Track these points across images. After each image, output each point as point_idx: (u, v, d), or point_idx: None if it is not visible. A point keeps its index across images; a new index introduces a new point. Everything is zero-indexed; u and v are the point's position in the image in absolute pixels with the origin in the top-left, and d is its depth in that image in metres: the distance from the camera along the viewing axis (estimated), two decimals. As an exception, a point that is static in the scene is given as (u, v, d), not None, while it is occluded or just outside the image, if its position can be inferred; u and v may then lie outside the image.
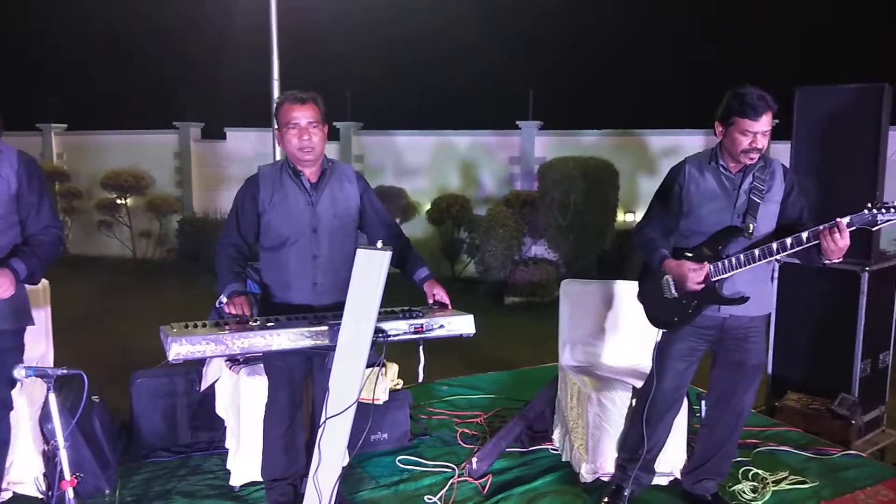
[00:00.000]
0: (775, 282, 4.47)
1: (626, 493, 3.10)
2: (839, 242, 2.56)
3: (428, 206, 10.72)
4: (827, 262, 2.66)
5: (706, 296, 2.84)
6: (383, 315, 2.64)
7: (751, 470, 3.43)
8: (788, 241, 2.68)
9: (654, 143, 10.03)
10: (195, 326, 2.49)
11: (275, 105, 2.84)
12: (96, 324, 7.29)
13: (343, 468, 2.86)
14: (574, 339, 3.80)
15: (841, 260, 2.65)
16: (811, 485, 3.32)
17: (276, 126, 2.82)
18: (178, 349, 2.32)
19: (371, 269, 2.39)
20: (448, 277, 10.52)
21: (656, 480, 3.29)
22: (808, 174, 4.38)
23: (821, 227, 2.61)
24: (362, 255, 2.40)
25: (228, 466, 3.33)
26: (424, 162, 11.37)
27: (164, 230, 12.02)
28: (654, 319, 3.05)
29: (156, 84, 15.37)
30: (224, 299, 2.73)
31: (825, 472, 3.46)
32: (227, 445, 3.41)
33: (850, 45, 11.82)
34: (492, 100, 12.78)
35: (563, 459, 3.60)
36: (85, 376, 2.40)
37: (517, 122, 10.92)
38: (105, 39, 15.42)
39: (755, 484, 3.31)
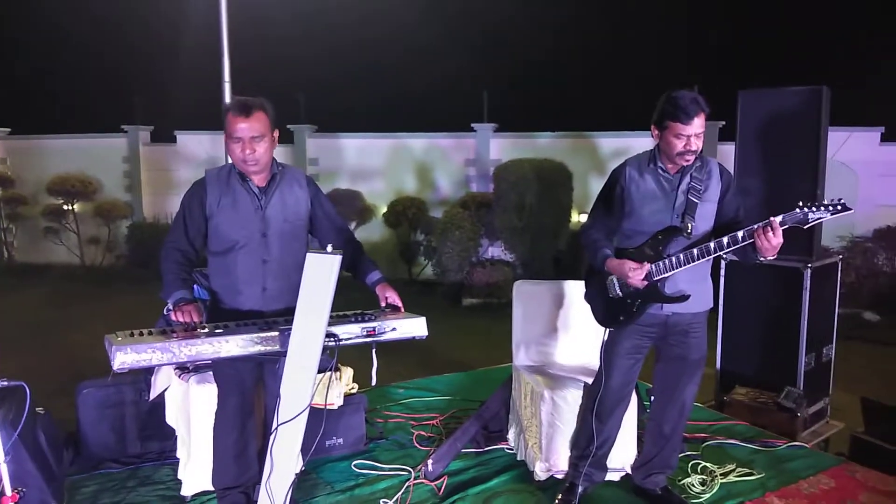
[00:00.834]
0: (722, 279, 4.59)
1: (579, 490, 3.14)
2: (773, 241, 2.65)
3: (384, 209, 10.70)
4: (762, 259, 2.74)
5: (649, 295, 2.91)
6: (335, 319, 2.63)
7: (700, 463, 3.51)
8: (725, 240, 2.76)
9: (605, 145, 10.19)
10: (141, 334, 2.43)
11: (223, 116, 2.79)
12: (43, 333, 7.08)
13: (297, 474, 2.83)
14: (527, 339, 3.84)
15: (775, 257, 2.73)
16: (757, 476, 3.41)
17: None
18: (123, 358, 2.27)
19: (321, 272, 2.37)
20: (405, 280, 10.51)
21: (609, 476, 3.34)
22: (752, 175, 4.50)
23: (755, 227, 2.69)
24: (312, 259, 2.38)
25: (179, 476, 3.26)
26: (380, 165, 11.35)
27: (113, 236, 11.74)
28: (601, 319, 3.11)
29: (104, 87, 14.98)
30: (171, 307, 2.68)
31: (771, 464, 3.56)
32: (177, 455, 3.35)
33: (791, 49, 12.20)
34: (447, 102, 12.80)
35: (519, 458, 3.63)
36: (27, 387, 2.33)
37: (472, 125, 10.98)
38: (50, 41, 14.98)
39: (704, 477, 3.38)
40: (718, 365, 4.68)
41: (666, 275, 2.87)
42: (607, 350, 3.08)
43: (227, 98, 9.11)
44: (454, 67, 13.75)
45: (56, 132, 12.52)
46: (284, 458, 2.55)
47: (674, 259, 2.84)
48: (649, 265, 2.86)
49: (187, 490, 3.18)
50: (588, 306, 3.18)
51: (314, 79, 13.51)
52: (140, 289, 9.20)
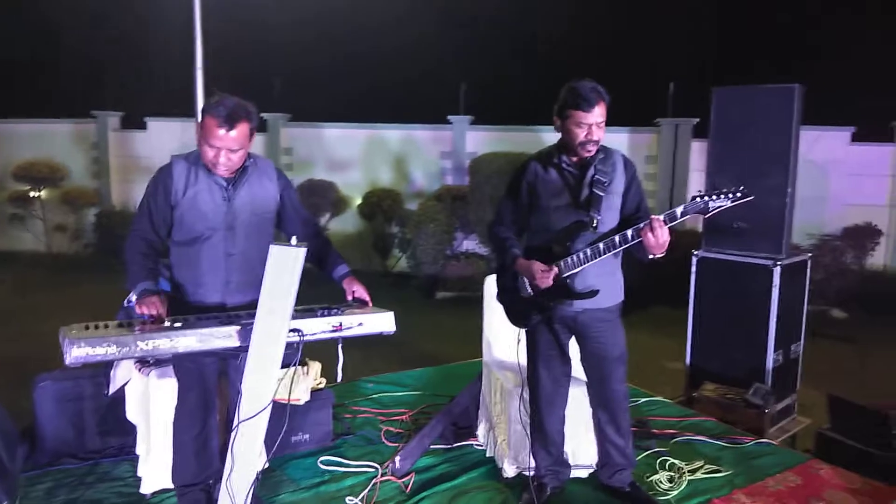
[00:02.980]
0: (692, 276, 4.60)
1: (547, 489, 3.11)
2: (659, 239, 2.64)
3: (359, 201, 10.60)
4: (651, 256, 2.72)
5: (559, 292, 2.88)
6: (300, 313, 2.57)
7: (668, 460, 3.51)
8: (617, 238, 2.75)
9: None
10: (96, 328, 2.35)
11: (200, 111, 2.66)
12: (4, 323, 6.90)
13: (259, 472, 2.78)
14: (498, 335, 3.80)
15: (664, 254, 2.70)
16: (725, 473, 3.41)
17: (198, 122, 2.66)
18: (77, 352, 2.19)
19: (285, 265, 2.31)
20: (379, 272, 10.44)
21: (577, 473, 3.33)
22: (724, 172, 4.51)
23: (641, 225, 2.69)
24: (276, 251, 2.32)
25: (139, 473, 3.18)
26: (355, 155, 11.24)
27: (80, 224, 11.49)
28: (514, 319, 3.08)
29: (72, 71, 14.64)
30: (133, 298, 2.59)
31: (738, 461, 3.57)
32: (137, 451, 3.26)
33: (763, 48, 12.30)
34: (424, 94, 12.72)
35: (488, 455, 3.60)
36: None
37: (448, 117, 10.91)
38: (15, 24, 14.59)
39: (672, 474, 3.38)
40: (688, 360, 4.70)
41: (575, 270, 2.84)
42: (528, 349, 3.08)
43: (200, 84, 8.91)
44: (431, 59, 13.67)
45: (23, 117, 12.21)
46: (246, 455, 2.49)
47: (581, 254, 2.82)
48: (559, 264, 2.83)
49: (147, 487, 3.09)
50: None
51: (289, 67, 13.33)
52: (107, 278, 9.01)
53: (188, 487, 2.83)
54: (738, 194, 2.64)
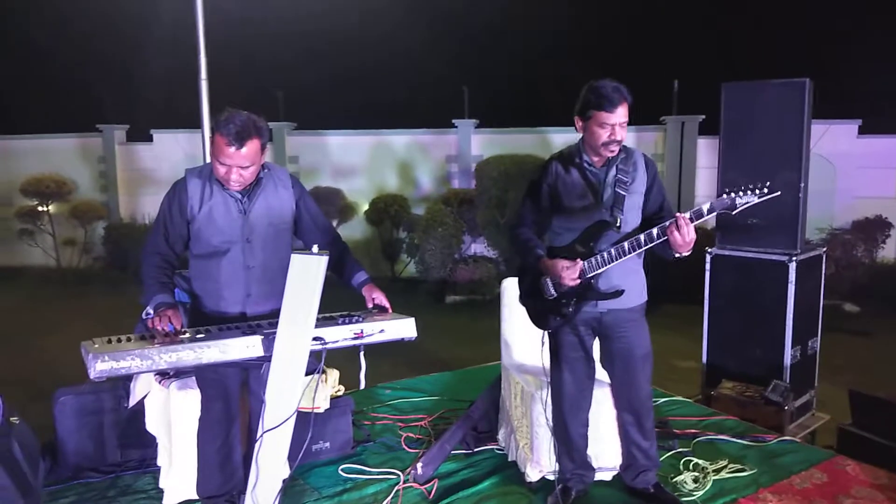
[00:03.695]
0: (707, 273, 4.58)
1: (572, 492, 3.09)
2: (686, 237, 2.63)
3: (366, 207, 10.60)
4: (677, 255, 2.71)
5: (583, 293, 2.87)
6: (321, 321, 2.56)
7: (691, 460, 3.49)
8: (642, 237, 2.74)
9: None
10: (119, 341, 2.35)
11: (210, 127, 2.65)
12: (19, 338, 6.91)
13: (284, 481, 2.77)
14: (516, 338, 3.79)
15: (690, 253, 2.70)
16: (750, 472, 3.39)
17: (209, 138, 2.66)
18: (101, 366, 2.19)
19: (307, 274, 2.30)
20: (388, 278, 10.43)
21: (601, 476, 3.30)
22: (735, 168, 4.49)
23: (667, 223, 2.67)
24: (297, 260, 2.31)
25: (161, 485, 3.17)
26: (361, 162, 11.25)
27: (89, 237, 11.51)
28: (537, 321, 3.06)
29: (77, 85, 14.70)
30: (150, 311, 2.59)
31: (762, 459, 3.54)
32: (159, 463, 3.26)
33: (767, 43, 12.28)
34: (428, 98, 12.72)
35: (510, 459, 3.58)
36: (0, 396, 2.23)
37: (453, 121, 10.92)
38: (21, 40, 14.66)
39: (696, 474, 3.36)
40: (704, 359, 4.67)
41: (599, 271, 2.83)
42: (553, 352, 3.05)
43: (205, 97, 8.96)
44: (435, 64, 13.69)
45: (29, 132, 12.26)
46: (270, 465, 2.48)
47: (605, 254, 2.80)
48: (582, 263, 2.81)
49: (170, 499, 3.09)
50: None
51: (293, 76, 13.36)
52: (118, 291, 9.04)
53: (212, 499, 2.83)
54: (766, 190, 2.63)
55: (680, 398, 4.46)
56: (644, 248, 2.78)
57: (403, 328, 2.67)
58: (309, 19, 13.04)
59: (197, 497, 2.92)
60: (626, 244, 2.78)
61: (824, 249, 4.74)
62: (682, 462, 3.47)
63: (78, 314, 8.11)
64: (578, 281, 2.81)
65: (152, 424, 3.30)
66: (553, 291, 2.93)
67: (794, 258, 4.23)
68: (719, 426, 3.98)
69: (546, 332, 3.05)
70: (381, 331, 2.62)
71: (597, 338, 3.08)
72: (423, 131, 11.18)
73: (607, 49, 13.50)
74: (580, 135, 2.94)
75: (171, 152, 11.32)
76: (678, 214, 2.65)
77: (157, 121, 11.84)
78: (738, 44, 12.53)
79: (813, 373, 4.62)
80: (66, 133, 12.20)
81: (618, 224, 2.82)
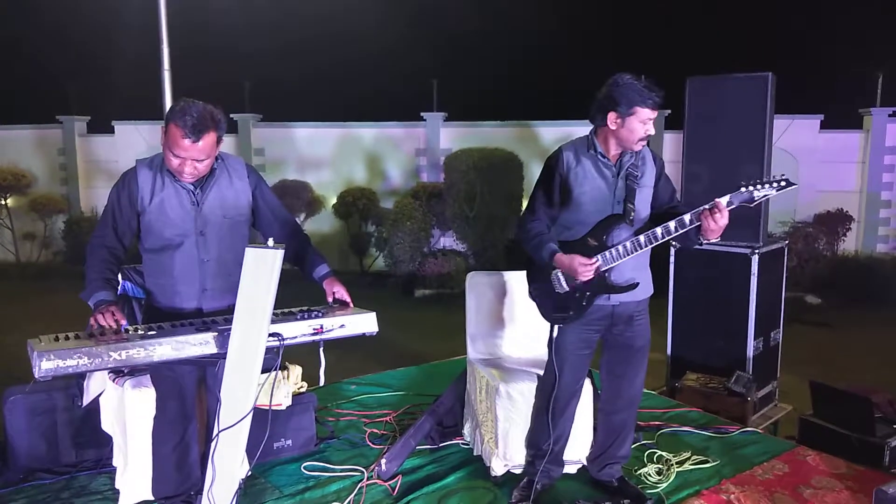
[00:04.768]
0: (671, 266, 4.60)
1: (537, 487, 3.08)
2: (719, 222, 2.63)
3: (334, 200, 10.51)
4: (705, 241, 2.72)
5: (597, 286, 2.86)
6: (279, 316, 2.50)
7: (655, 452, 3.50)
8: (672, 224, 2.73)
9: (546, 134, 10.19)
10: (67, 338, 2.26)
11: (165, 115, 2.52)
12: (-28, 336, 6.70)
13: (242, 480, 2.71)
14: (481, 332, 3.76)
15: (719, 239, 2.72)
16: (713, 464, 3.41)
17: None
18: (47, 365, 2.10)
19: (262, 268, 2.24)
20: (357, 272, 10.35)
21: (565, 469, 3.29)
22: (699, 161, 4.52)
23: (702, 209, 2.66)
24: (251, 254, 2.24)
25: (117, 486, 3.08)
26: (328, 155, 11.13)
27: (49, 231, 11.24)
28: (548, 316, 3.03)
29: (36, 76, 14.30)
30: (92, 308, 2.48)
31: (725, 451, 3.57)
32: (114, 463, 3.16)
33: (739, 35, 12.42)
34: (396, 91, 12.63)
35: (475, 454, 3.55)
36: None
37: (422, 114, 10.85)
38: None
39: (660, 466, 3.37)
40: (669, 351, 4.70)
41: (613, 264, 2.82)
42: (557, 347, 3.01)
43: (167, 88, 8.77)
44: (404, 56, 13.59)
45: (-17, 123, 11.92)
46: (227, 464, 2.41)
47: (621, 248, 2.79)
48: (597, 260, 2.80)
49: (126, 500, 2.99)
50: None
51: (259, 67, 13.17)
52: (78, 286, 8.75)
53: (169, 499, 2.75)
54: (783, 183, 2.63)
55: (644, 390, 4.46)
56: (674, 236, 2.74)
57: (364, 323, 2.61)
58: (277, 10, 12.85)
59: (153, 498, 2.83)
60: (641, 237, 2.76)
61: (787, 242, 4.79)
62: (645, 454, 3.48)
63: (37, 310, 7.90)
64: (592, 276, 2.80)
65: (107, 423, 3.20)
66: (566, 286, 2.90)
67: (757, 251, 4.27)
68: (683, 418, 4.00)
69: (555, 326, 3.00)
70: (342, 326, 2.56)
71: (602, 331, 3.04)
72: (392, 124, 11.10)
73: (574, 45, 13.55)
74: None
75: (133, 144, 11.08)
76: (717, 200, 2.63)
77: (118, 112, 11.58)
78: (704, 39, 12.66)
79: (775, 364, 4.68)
80: (25, 124, 11.87)
81: (630, 217, 2.81)
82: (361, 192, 10.34)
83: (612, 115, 2.78)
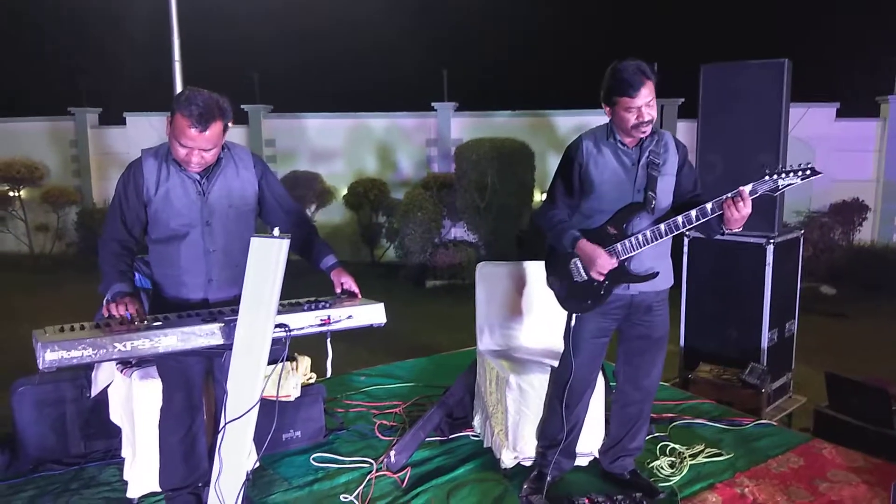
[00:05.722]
0: (685, 256, 4.54)
1: (548, 479, 3.05)
2: (742, 211, 2.57)
3: (345, 191, 10.47)
4: (728, 231, 2.67)
5: (617, 275, 2.81)
6: (286, 307, 2.47)
7: (668, 445, 3.45)
8: (693, 213, 2.67)
9: (562, 123, 10.10)
10: (72, 329, 2.24)
11: (173, 104, 2.44)
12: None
13: (250, 472, 2.69)
14: (491, 323, 3.72)
15: (741, 229, 2.66)
16: (727, 457, 3.36)
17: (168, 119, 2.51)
18: (51, 356, 2.08)
19: (267, 258, 2.21)
20: (368, 262, 10.34)
21: (578, 461, 3.26)
22: (714, 150, 4.45)
23: (724, 197, 2.61)
24: (257, 243, 2.22)
25: (125, 477, 3.08)
26: (339, 145, 11.09)
27: (62, 223, 11.29)
28: (566, 304, 2.99)
29: (49, 68, 14.36)
30: (109, 300, 2.48)
31: (739, 443, 3.52)
32: (123, 454, 3.16)
33: (753, 22, 12.26)
34: (407, 81, 12.57)
35: (485, 446, 3.52)
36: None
37: (433, 104, 10.78)
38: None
39: (672, 459, 3.32)
40: (682, 342, 4.65)
41: (633, 253, 2.78)
42: (574, 336, 2.97)
43: (178, 79, 8.77)
44: (415, 46, 13.52)
45: (-2, 115, 11.98)
46: (234, 456, 2.40)
47: (640, 237, 2.75)
48: (616, 259, 2.76)
49: (133, 492, 2.99)
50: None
51: (270, 58, 13.14)
52: (91, 277, 8.75)
53: (177, 491, 2.74)
54: (808, 172, 2.57)
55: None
56: (695, 225, 2.69)
57: (372, 314, 2.58)
58: (287, 1, 12.81)
59: (160, 489, 2.83)
60: (662, 226, 2.71)
61: (802, 232, 4.71)
62: (658, 447, 3.44)
63: (50, 302, 7.94)
64: (607, 270, 2.77)
65: (116, 415, 3.20)
66: (584, 275, 2.86)
67: (772, 241, 4.20)
68: (696, 410, 3.95)
69: (573, 315, 2.96)
70: (350, 317, 2.53)
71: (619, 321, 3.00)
72: (403, 114, 11.03)
73: (587, 33, 13.42)
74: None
75: (145, 136, 11.07)
76: (741, 188, 2.57)
77: (130, 104, 11.60)
78: (719, 26, 12.50)
79: (790, 355, 4.61)
80: (37, 116, 11.92)
81: (651, 206, 2.76)
82: (372, 182, 10.30)
83: (605, 107, 2.78)
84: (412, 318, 7.08)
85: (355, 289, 2.71)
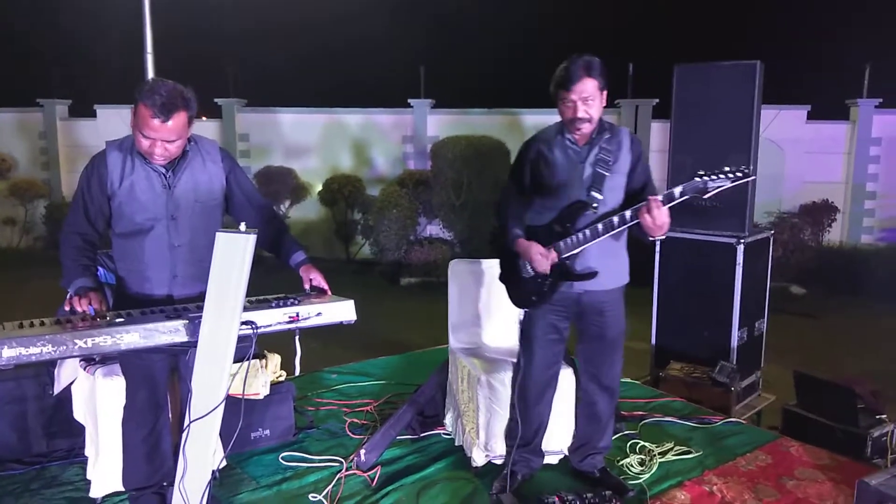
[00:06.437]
0: (657, 255, 4.56)
1: (518, 477, 3.04)
2: (657, 220, 2.58)
3: (319, 187, 10.40)
4: (651, 238, 2.68)
5: (559, 273, 2.82)
6: (253, 304, 2.43)
7: (638, 443, 3.47)
8: (615, 219, 2.70)
9: (540, 122, 10.12)
10: (31, 325, 2.18)
11: (136, 94, 2.37)
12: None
13: (217, 471, 2.64)
14: (464, 321, 3.71)
15: (664, 237, 2.67)
16: (696, 454, 3.38)
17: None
18: (8, 353, 2.02)
19: (233, 254, 2.16)
20: (342, 260, 10.28)
21: (547, 459, 3.25)
22: (686, 151, 4.47)
23: (640, 205, 2.63)
24: (223, 239, 2.17)
25: (88, 476, 3.01)
26: (314, 141, 11.01)
27: (30, 216, 11.08)
28: (515, 299, 3.02)
29: (16, 58, 14.05)
30: (72, 295, 2.42)
31: (708, 441, 3.54)
32: (86, 453, 3.09)
33: (727, 24, 12.38)
34: (384, 77, 12.51)
35: (456, 444, 3.51)
36: None
37: (409, 100, 10.75)
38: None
39: (642, 457, 3.34)
40: (653, 340, 4.67)
41: (574, 251, 2.78)
42: (525, 332, 3.00)
43: (150, 71, 8.62)
44: (392, 42, 13.45)
45: (-37, 107, 11.70)
46: (199, 456, 2.35)
47: (580, 234, 2.76)
48: (555, 254, 2.77)
49: (97, 491, 2.93)
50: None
51: (245, 52, 13.00)
52: (60, 272, 8.68)
53: (140, 490, 2.68)
54: (739, 174, 2.58)
55: (628, 380, 4.45)
56: (619, 230, 2.71)
57: (342, 311, 2.54)
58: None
59: (124, 489, 2.77)
60: (599, 225, 2.72)
61: (772, 232, 4.77)
62: (628, 445, 3.45)
63: (17, 297, 7.76)
64: (548, 268, 2.77)
65: (79, 412, 3.13)
66: (530, 271, 2.87)
67: (742, 241, 4.24)
68: (666, 408, 3.98)
69: (523, 312, 2.98)
70: (319, 314, 2.49)
71: (572, 320, 3.01)
72: (379, 111, 10.99)
73: (563, 32, 13.46)
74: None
75: (116, 128, 10.86)
76: (650, 197, 2.59)
77: (100, 96, 11.40)
78: (693, 27, 12.61)
79: (759, 354, 4.66)
80: (5, 107, 11.67)
81: (595, 204, 2.75)
82: (347, 179, 10.24)
83: (556, 102, 2.81)
84: (386, 315, 7.05)
85: (324, 285, 2.68)
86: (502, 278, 3.09)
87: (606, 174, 2.78)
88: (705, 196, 2.64)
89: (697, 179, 2.62)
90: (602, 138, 2.80)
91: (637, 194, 2.83)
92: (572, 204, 2.79)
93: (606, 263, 2.85)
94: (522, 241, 2.83)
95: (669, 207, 2.63)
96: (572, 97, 2.69)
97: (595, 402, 3.06)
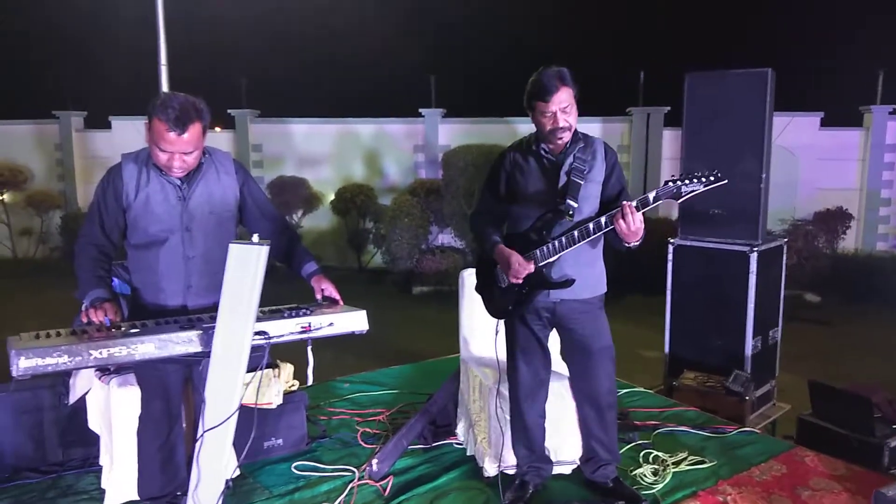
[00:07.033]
0: (669, 264, 4.54)
1: (530, 487, 3.03)
2: (631, 226, 2.58)
3: (332, 197, 10.45)
4: (627, 245, 2.67)
5: (535, 281, 2.82)
6: (266, 314, 2.45)
7: (651, 453, 3.45)
8: (591, 225, 2.70)
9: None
10: (48, 336, 2.21)
11: (149, 109, 2.41)
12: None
13: (230, 480, 2.65)
14: (475, 330, 3.70)
15: (639, 242, 2.66)
16: (710, 464, 3.35)
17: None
18: (25, 363, 2.05)
19: (246, 265, 2.19)
20: (355, 269, 10.32)
21: (560, 469, 3.24)
22: (698, 159, 4.45)
23: (614, 212, 2.63)
24: (236, 250, 2.19)
25: (103, 485, 3.03)
26: (327, 151, 11.08)
27: (46, 227, 11.21)
28: (492, 309, 3.02)
29: (33, 71, 14.24)
30: (87, 306, 2.45)
31: (722, 451, 3.51)
32: (101, 462, 3.11)
33: (740, 32, 12.35)
34: (395, 87, 12.57)
35: (468, 454, 3.50)
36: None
37: (421, 110, 10.79)
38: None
39: (656, 467, 3.31)
40: (667, 349, 4.65)
41: (550, 259, 2.78)
42: (507, 343, 3.01)
43: (165, 83, 8.71)
44: (403, 52, 13.52)
45: (-21, 118, 11.87)
46: (212, 465, 2.37)
47: (556, 243, 2.75)
48: (532, 264, 2.77)
49: (111, 500, 2.94)
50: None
51: (258, 63, 13.12)
52: (75, 283, 8.76)
53: (155, 500, 2.70)
54: (712, 178, 2.58)
55: (641, 389, 4.43)
56: (594, 237, 2.72)
57: (354, 321, 2.56)
58: (274, 5, 12.78)
59: (138, 498, 2.79)
60: (575, 233, 2.73)
61: (786, 240, 4.74)
62: (641, 455, 3.43)
63: (34, 307, 7.86)
64: (522, 278, 2.78)
65: (94, 422, 3.15)
66: (507, 280, 2.88)
67: (756, 249, 4.22)
68: (680, 417, 3.95)
69: (500, 322, 2.99)
70: (331, 324, 2.51)
71: (554, 329, 3.02)
72: (390, 120, 11.04)
73: (575, 40, 13.48)
74: None
75: (130, 140, 10.99)
76: (624, 203, 2.60)
77: (115, 107, 11.54)
78: (704, 35, 12.59)
79: (774, 363, 4.63)
80: (21, 119, 11.82)
81: (570, 213, 2.76)
82: (359, 188, 10.29)
83: (527, 111, 2.82)
84: (398, 324, 7.06)
85: (336, 295, 2.70)
86: (478, 288, 3.11)
87: (581, 182, 2.79)
88: (679, 201, 2.65)
89: (671, 184, 2.62)
90: (577, 147, 2.82)
91: (612, 203, 2.83)
92: (547, 213, 2.80)
93: (582, 272, 2.84)
94: (503, 249, 2.84)
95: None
96: (551, 108, 2.71)
97: (587, 418, 3.03)
